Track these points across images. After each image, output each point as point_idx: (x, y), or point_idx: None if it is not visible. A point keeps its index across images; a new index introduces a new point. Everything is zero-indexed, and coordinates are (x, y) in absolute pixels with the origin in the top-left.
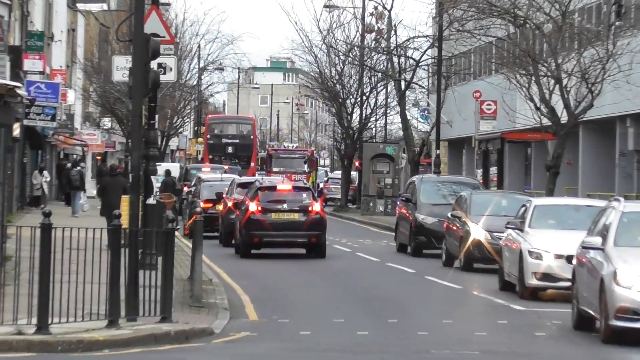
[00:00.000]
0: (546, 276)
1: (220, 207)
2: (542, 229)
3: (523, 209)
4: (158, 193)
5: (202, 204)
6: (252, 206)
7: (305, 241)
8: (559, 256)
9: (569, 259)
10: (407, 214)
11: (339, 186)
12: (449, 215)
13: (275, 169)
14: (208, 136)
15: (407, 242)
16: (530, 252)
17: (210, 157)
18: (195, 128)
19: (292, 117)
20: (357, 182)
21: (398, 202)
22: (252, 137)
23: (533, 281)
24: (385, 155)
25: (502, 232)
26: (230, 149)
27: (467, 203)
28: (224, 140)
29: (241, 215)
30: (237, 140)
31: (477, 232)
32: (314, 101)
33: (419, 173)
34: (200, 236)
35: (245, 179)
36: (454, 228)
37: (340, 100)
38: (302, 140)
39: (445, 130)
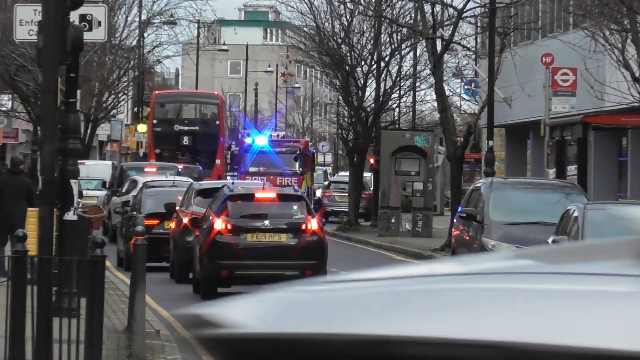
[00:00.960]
0: None
1: (171, 224)
2: None
3: None
4: (80, 203)
5: (144, 221)
6: (219, 223)
7: (297, 275)
8: None
9: None
10: (469, 238)
11: (346, 194)
12: (550, 242)
13: (252, 169)
14: (154, 121)
15: None
16: None
17: (158, 151)
18: (136, 109)
19: (277, 93)
20: (372, 188)
21: (455, 220)
22: (217, 122)
23: None
24: (414, 149)
25: None
26: (186, 140)
27: (580, 223)
28: (177, 128)
29: (202, 237)
30: (197, 128)
31: None
32: (308, 70)
33: (464, 173)
34: (142, 268)
35: (209, 183)
36: None
37: (347, 67)
38: (291, 126)
39: (501, 111)
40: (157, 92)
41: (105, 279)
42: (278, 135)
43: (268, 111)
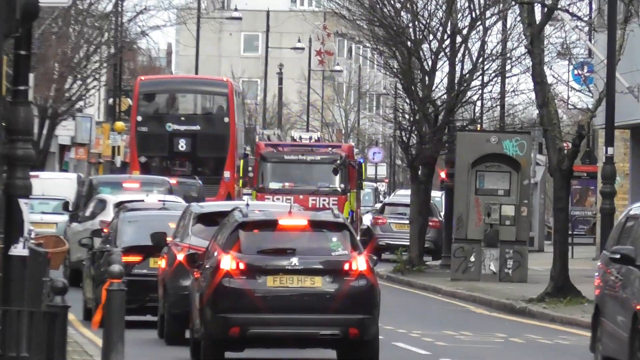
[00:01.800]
0: None
1: (159, 262)
2: None
3: None
4: (33, 233)
5: (121, 258)
6: (227, 262)
7: (337, 335)
8: None
9: None
10: (624, 295)
11: (407, 221)
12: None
13: (273, 186)
14: (138, 119)
15: (623, 356)
16: None
17: (143, 160)
18: (111, 101)
19: (310, 79)
20: (442, 214)
21: (600, 264)
22: (226, 119)
23: None
24: (502, 158)
25: None
26: (182, 145)
27: None
28: (171, 127)
29: (204, 281)
30: (197, 127)
31: None
32: (354, 46)
33: (572, 193)
34: (119, 323)
35: (214, 205)
36: None
37: (409, 43)
38: (329, 126)
39: (625, 106)
40: (142, 77)
41: (68, 339)
42: (310, 139)
43: (297, 104)
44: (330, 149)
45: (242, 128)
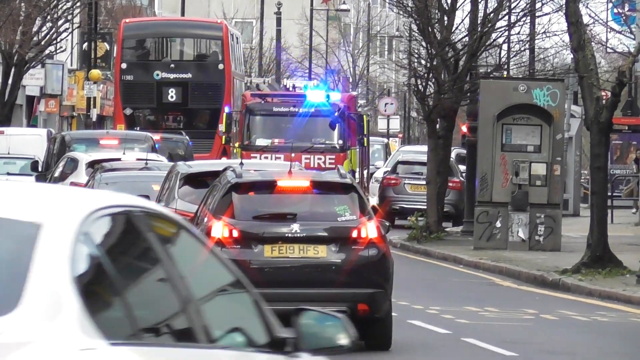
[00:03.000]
0: None
1: None
2: None
3: None
4: None
5: None
6: (219, 229)
7: (344, 312)
8: None
9: None
10: None
11: (423, 182)
12: None
13: (260, 142)
14: (122, 66)
15: None
16: None
17: (128, 112)
18: (85, 46)
19: (312, 21)
20: (464, 173)
21: None
22: (221, 66)
23: None
24: (532, 109)
25: None
26: (172, 95)
27: None
28: (159, 76)
29: None
30: (189, 75)
31: None
32: None
33: (611, 148)
34: None
35: (203, 164)
36: None
37: None
38: (335, 73)
39: None
40: (126, 20)
41: None
42: (306, 88)
43: (298, 49)
44: (326, 99)
45: (240, 76)
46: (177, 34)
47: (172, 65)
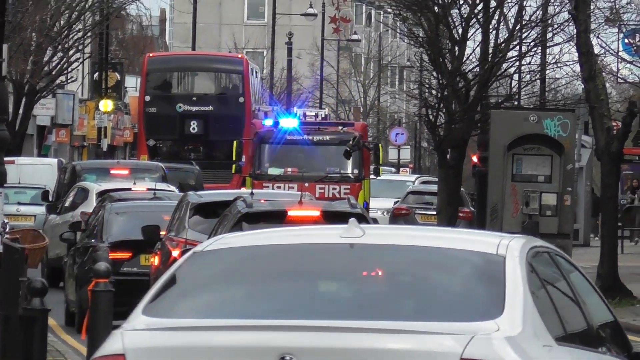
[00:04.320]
0: None
1: (152, 260)
2: None
3: None
4: (8, 226)
5: (108, 254)
6: None
7: None
8: None
9: None
10: None
11: (433, 212)
12: None
13: (272, 171)
14: (146, 98)
15: None
16: None
17: (151, 143)
18: (97, 76)
19: (324, 49)
20: (474, 203)
21: None
22: (242, 100)
23: None
24: (543, 140)
25: None
26: (194, 127)
27: None
28: (182, 108)
29: None
30: (210, 108)
31: None
32: (374, 12)
33: (622, 179)
34: (106, 327)
35: (213, 194)
36: None
37: (437, 8)
38: (345, 103)
39: None
40: (150, 54)
41: (48, 346)
42: (316, 116)
43: (309, 79)
44: (340, 127)
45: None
46: (200, 68)
47: (195, 99)
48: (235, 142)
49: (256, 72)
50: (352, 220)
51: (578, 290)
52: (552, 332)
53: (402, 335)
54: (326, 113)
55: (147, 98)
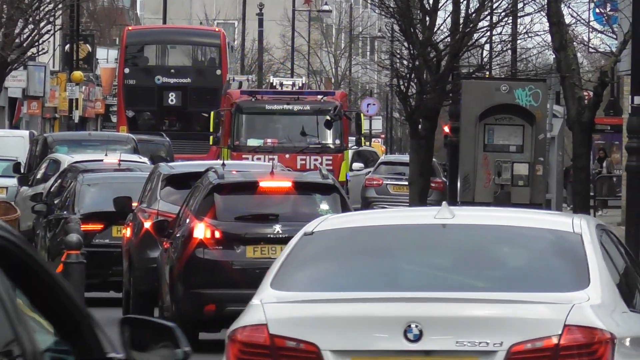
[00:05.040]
0: None
1: (124, 231)
2: None
3: None
4: None
5: (80, 226)
6: (201, 230)
7: None
8: None
9: None
10: None
11: (405, 182)
12: None
13: (251, 143)
14: (126, 71)
15: None
16: None
17: (130, 114)
18: (68, 47)
19: (295, 21)
20: (446, 174)
21: None
22: (219, 72)
23: None
24: (514, 109)
25: None
26: (172, 99)
27: None
28: (160, 80)
29: (175, 252)
30: (188, 80)
31: None
32: None
33: (593, 148)
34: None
35: (184, 166)
36: None
37: None
38: (316, 74)
39: None
40: (129, 27)
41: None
42: (294, 85)
43: (280, 49)
44: (320, 97)
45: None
46: (177, 41)
47: (173, 71)
48: (212, 113)
49: (232, 46)
50: (444, 203)
51: (630, 263)
52: (626, 298)
53: (510, 305)
54: (304, 82)
55: (126, 70)
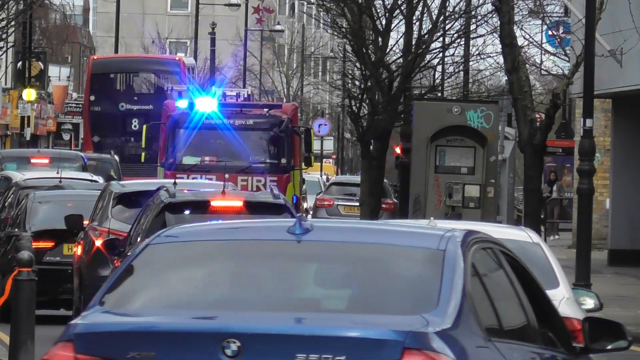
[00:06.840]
0: None
1: (75, 249)
2: None
3: None
4: None
5: (31, 243)
6: None
7: None
8: None
9: None
10: None
11: (356, 203)
12: None
13: (187, 161)
14: (91, 98)
15: None
16: None
17: (96, 139)
18: (20, 65)
19: (247, 40)
20: (397, 195)
21: None
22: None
23: None
24: (466, 131)
25: None
26: (135, 124)
27: None
28: (124, 107)
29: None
30: (151, 107)
31: None
32: (297, 3)
33: (545, 171)
34: (29, 318)
35: (136, 184)
36: None
37: None
38: (269, 94)
39: (607, 72)
40: (94, 57)
41: None
42: (238, 96)
43: (232, 69)
44: (266, 110)
45: None
46: (140, 69)
47: (136, 98)
48: (144, 127)
49: (193, 69)
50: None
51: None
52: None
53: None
54: (249, 93)
55: (92, 98)
